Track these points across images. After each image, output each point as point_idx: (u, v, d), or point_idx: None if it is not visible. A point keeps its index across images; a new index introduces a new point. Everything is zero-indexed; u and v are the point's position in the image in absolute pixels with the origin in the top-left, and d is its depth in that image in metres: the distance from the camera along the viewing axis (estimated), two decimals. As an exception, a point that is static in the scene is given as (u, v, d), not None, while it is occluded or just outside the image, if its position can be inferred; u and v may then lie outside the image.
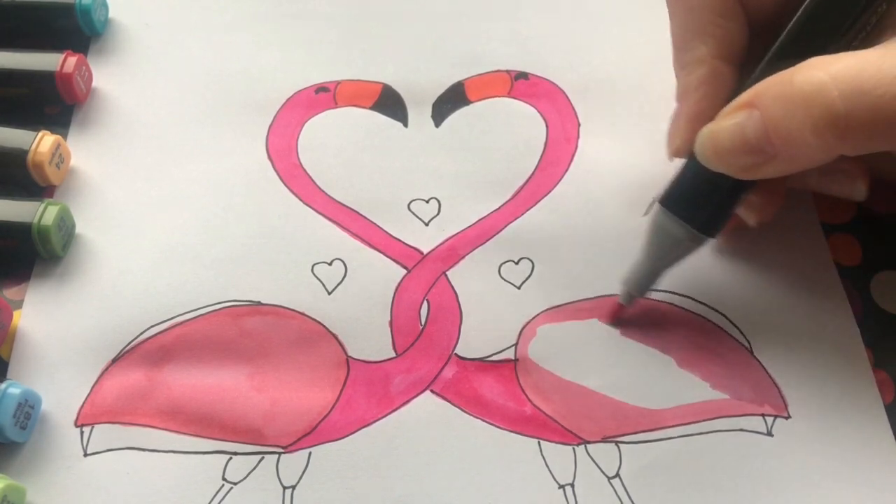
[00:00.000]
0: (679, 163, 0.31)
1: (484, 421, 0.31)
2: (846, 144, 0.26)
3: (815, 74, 0.25)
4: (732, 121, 0.28)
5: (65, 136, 0.38)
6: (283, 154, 0.37)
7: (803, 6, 0.28)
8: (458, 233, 0.35)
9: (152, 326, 0.33)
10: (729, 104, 0.28)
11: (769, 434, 0.30)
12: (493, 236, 0.35)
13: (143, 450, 0.30)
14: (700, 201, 0.30)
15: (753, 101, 0.27)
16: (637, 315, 0.33)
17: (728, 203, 0.30)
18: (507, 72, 0.40)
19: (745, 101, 0.27)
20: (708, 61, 0.30)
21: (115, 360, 0.32)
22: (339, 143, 0.38)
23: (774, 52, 0.29)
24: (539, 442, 0.30)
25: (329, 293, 0.34)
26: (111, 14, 0.42)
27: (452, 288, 0.34)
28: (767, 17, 0.30)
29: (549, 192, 0.36)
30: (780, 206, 0.33)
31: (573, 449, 0.30)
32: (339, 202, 0.36)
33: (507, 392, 0.31)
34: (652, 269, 0.31)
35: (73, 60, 0.38)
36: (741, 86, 0.29)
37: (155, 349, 0.32)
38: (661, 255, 0.31)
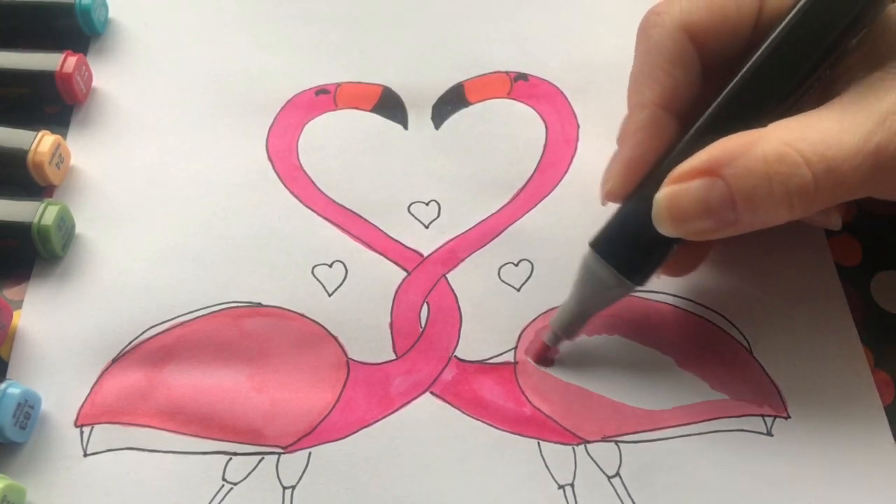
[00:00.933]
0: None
1: (483, 422, 0.31)
2: (810, 211, 0.27)
3: (789, 154, 0.26)
4: (690, 186, 0.27)
5: (65, 136, 0.38)
6: (283, 155, 0.37)
7: (749, 63, 0.28)
8: (458, 235, 0.35)
9: (152, 326, 0.33)
10: (679, 167, 0.28)
11: (769, 434, 0.30)
12: (492, 238, 0.35)
13: (143, 450, 0.30)
14: (632, 249, 0.30)
15: (714, 169, 0.27)
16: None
17: (660, 253, 0.30)
18: (507, 73, 0.40)
19: (702, 168, 0.27)
20: (650, 108, 0.30)
21: (115, 360, 0.32)
22: (339, 144, 0.38)
23: (716, 112, 0.28)
24: (539, 442, 0.30)
25: (329, 295, 0.33)
26: (111, 14, 0.42)
27: (452, 290, 0.34)
28: (723, 67, 0.30)
29: (549, 193, 0.36)
30: (698, 265, 0.33)
31: (573, 449, 0.30)
32: (339, 204, 0.36)
33: (506, 393, 0.31)
34: (580, 311, 0.31)
35: (73, 60, 0.38)
36: (682, 137, 0.29)
37: (155, 349, 0.32)
38: (589, 298, 0.31)
